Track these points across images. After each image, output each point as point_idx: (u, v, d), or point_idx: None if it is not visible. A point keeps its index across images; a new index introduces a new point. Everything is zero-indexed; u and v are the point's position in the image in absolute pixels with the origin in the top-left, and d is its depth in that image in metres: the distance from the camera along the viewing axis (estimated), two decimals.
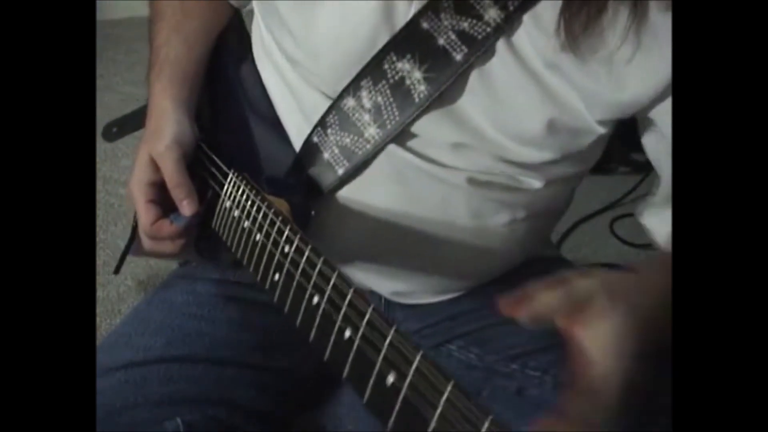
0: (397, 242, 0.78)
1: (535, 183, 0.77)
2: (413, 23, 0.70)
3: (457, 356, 0.82)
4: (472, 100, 0.71)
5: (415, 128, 0.73)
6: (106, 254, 1.48)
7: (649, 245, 1.20)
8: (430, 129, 0.73)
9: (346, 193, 0.77)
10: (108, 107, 2.04)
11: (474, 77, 0.70)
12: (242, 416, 0.76)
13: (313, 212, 0.77)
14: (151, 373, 0.76)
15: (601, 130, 0.72)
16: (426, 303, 0.84)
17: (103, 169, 1.74)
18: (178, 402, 0.74)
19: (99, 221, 1.60)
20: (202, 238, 0.85)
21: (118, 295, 1.38)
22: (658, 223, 0.79)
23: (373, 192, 0.77)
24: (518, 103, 0.70)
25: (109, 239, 1.54)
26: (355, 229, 0.78)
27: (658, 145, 0.74)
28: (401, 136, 0.74)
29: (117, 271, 1.04)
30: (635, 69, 0.66)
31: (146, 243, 0.82)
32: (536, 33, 0.67)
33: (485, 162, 0.74)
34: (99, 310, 1.34)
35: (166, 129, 0.81)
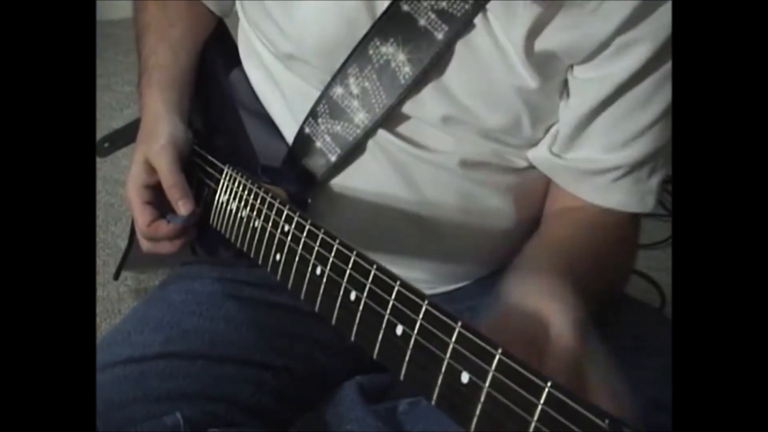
0: (392, 227, 0.79)
1: (523, 161, 0.78)
2: (394, 7, 0.71)
3: None
4: (458, 76, 0.72)
5: (405, 109, 0.74)
6: (106, 254, 1.49)
7: (648, 245, 1.19)
8: (419, 107, 0.74)
9: (340, 181, 0.79)
10: (108, 107, 2.04)
11: (458, 52, 0.71)
12: (241, 412, 0.77)
13: (309, 200, 0.78)
14: (149, 369, 0.76)
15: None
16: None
17: (103, 169, 1.74)
18: (176, 397, 0.74)
19: (99, 221, 1.60)
20: (197, 237, 0.85)
21: (118, 295, 1.38)
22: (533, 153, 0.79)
23: (366, 179, 0.78)
24: (503, 73, 0.71)
25: (109, 239, 1.54)
26: (350, 215, 0.79)
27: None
28: (391, 120, 0.75)
29: (116, 276, 1.05)
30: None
31: (144, 245, 0.83)
32: (509, 6, 0.68)
33: (473, 139, 0.75)
34: (99, 310, 1.34)
35: (160, 130, 0.82)
